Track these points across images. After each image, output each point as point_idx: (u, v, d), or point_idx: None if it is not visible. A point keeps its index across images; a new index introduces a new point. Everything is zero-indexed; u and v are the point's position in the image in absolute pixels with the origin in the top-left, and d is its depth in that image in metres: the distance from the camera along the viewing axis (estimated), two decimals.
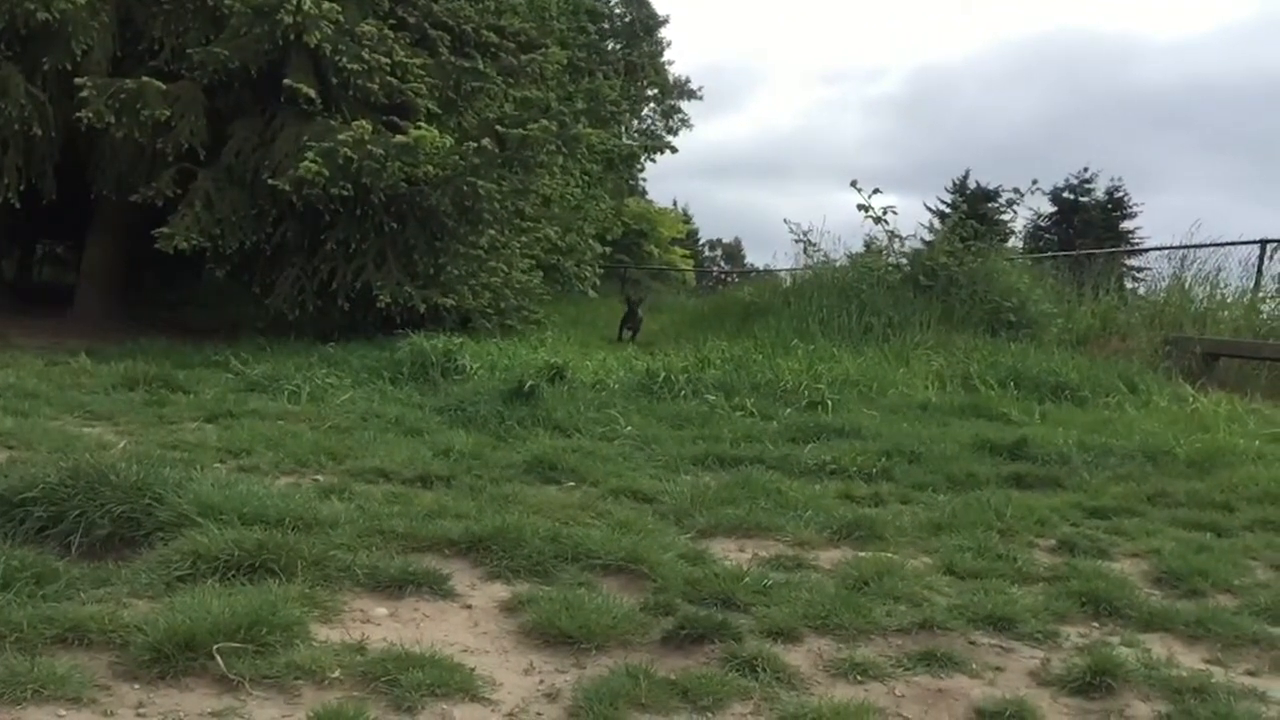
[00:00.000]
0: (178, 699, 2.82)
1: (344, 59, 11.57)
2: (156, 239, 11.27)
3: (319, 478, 5.25)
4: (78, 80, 11.01)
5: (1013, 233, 21.55)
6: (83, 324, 12.70)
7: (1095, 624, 3.81)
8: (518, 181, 13.19)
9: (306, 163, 10.71)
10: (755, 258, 53.47)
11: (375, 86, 11.82)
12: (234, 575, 3.52)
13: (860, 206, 13.47)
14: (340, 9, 11.51)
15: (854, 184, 13.48)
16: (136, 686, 2.87)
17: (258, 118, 11.94)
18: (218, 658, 2.93)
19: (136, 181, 11.69)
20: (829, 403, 8.02)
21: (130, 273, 14.96)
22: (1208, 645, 3.65)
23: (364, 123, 11.11)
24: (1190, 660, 3.51)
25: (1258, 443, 7.00)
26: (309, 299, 11.69)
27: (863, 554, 4.44)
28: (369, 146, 10.89)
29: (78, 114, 10.93)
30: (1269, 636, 3.70)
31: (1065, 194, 35.86)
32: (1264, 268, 12.92)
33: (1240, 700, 3.14)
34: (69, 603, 3.27)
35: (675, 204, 42.86)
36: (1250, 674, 3.45)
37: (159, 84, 11.13)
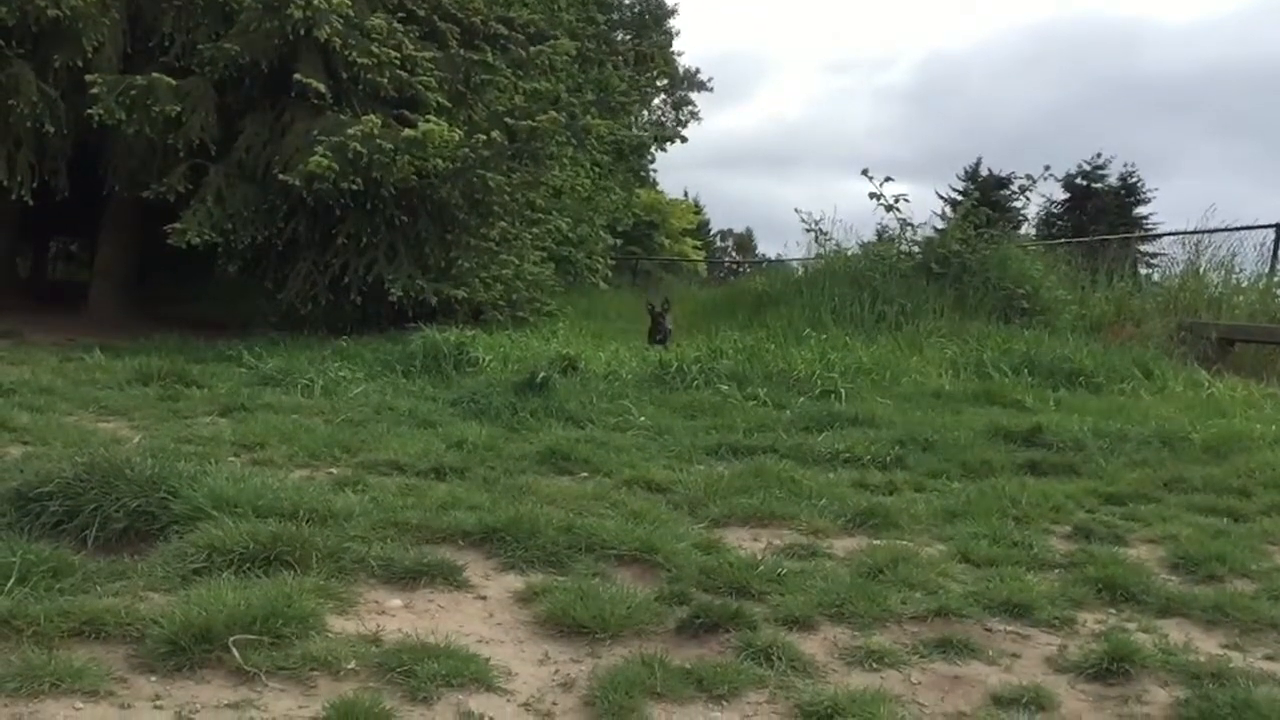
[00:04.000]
0: (194, 691, 2.82)
1: (354, 53, 11.58)
2: (169, 235, 11.32)
3: (333, 470, 5.26)
4: (88, 77, 11.05)
5: (1025, 220, 21.50)
6: (96, 320, 12.78)
7: (1112, 610, 3.79)
8: (528, 173, 13.20)
9: (317, 157, 10.73)
10: (767, 247, 53.47)
11: (385, 80, 11.83)
12: (249, 568, 3.52)
13: (872, 195, 13.42)
14: (350, 3, 11.51)
15: (865, 172, 13.43)
16: (153, 679, 2.87)
17: (268, 113, 11.97)
18: (234, 650, 2.94)
19: (148, 178, 11.74)
20: (842, 391, 8.00)
21: (143, 269, 15.04)
22: (1225, 630, 3.63)
23: (373, 117, 11.12)
24: (1208, 645, 3.49)
25: (1274, 427, 6.95)
26: (321, 293, 11.73)
27: (877, 542, 4.43)
28: (378, 140, 10.90)
29: (89, 111, 10.97)
30: None
31: (1078, 180, 35.66)
32: (1279, 252, 12.85)
33: (1259, 685, 3.12)
34: (85, 596, 3.27)
35: (686, 194, 42.93)
36: (1269, 658, 3.42)
37: (169, 80, 11.16)
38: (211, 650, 2.94)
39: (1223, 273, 12.78)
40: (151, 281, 16.58)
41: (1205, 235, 13.17)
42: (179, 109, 11.19)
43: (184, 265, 15.95)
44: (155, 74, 11.16)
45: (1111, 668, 3.22)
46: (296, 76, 11.43)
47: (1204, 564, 4.24)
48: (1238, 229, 12.97)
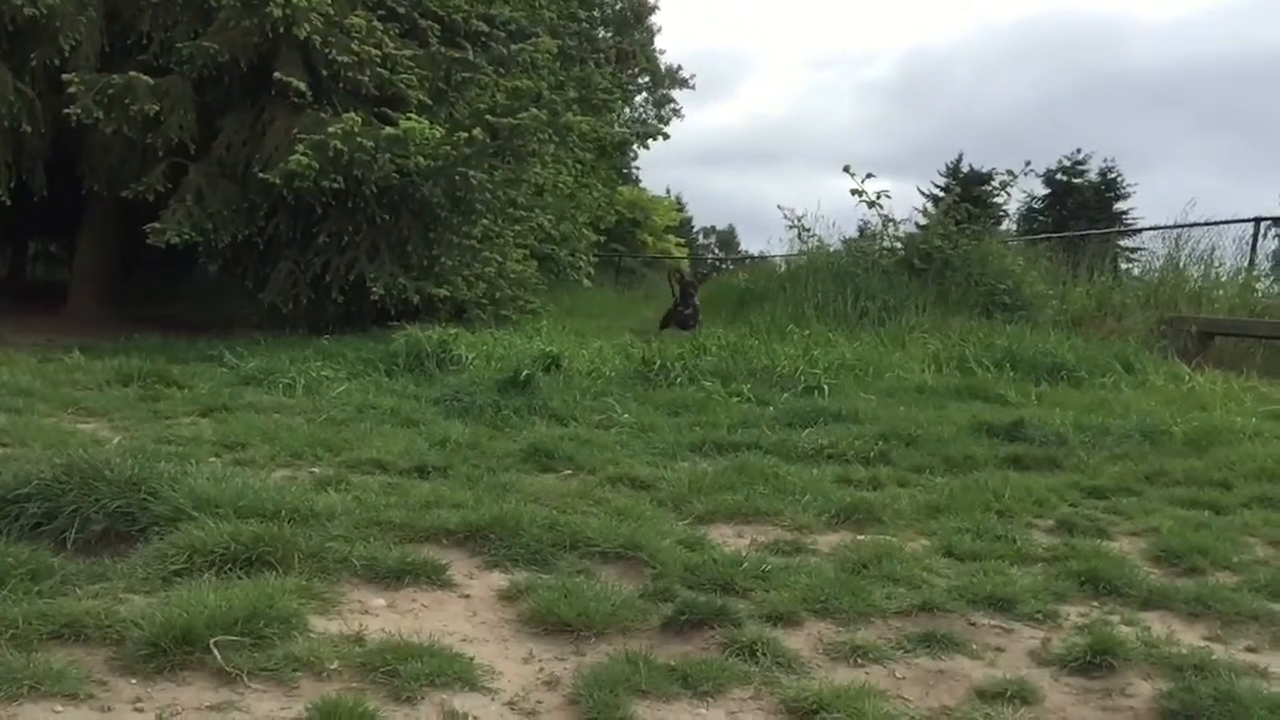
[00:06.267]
0: (175, 693, 2.80)
1: (334, 51, 11.52)
2: (148, 234, 11.24)
3: (315, 470, 5.22)
4: (65, 76, 10.97)
5: (1006, 215, 21.61)
6: (76, 321, 12.68)
7: (1095, 603, 3.81)
8: (510, 171, 13.17)
9: (297, 156, 10.68)
10: (750, 244, 53.55)
11: (366, 78, 11.77)
12: (230, 568, 3.49)
13: (854, 191, 13.45)
14: (329, 1, 11.45)
15: (847, 169, 13.45)
16: (133, 681, 2.85)
17: (248, 111, 11.90)
18: (215, 651, 2.91)
19: (127, 177, 11.67)
20: (825, 387, 8.01)
21: (123, 269, 14.95)
22: (1207, 622, 3.65)
23: (354, 115, 11.07)
24: (1190, 638, 3.50)
25: (1254, 420, 6.99)
26: (302, 292, 11.68)
27: (861, 537, 4.44)
28: (359, 139, 10.86)
29: (66, 110, 10.89)
30: (1269, 613, 3.69)
31: (1058, 176, 35.89)
32: (1258, 246, 12.95)
33: (1241, 677, 3.13)
34: (65, 599, 3.24)
35: (669, 192, 42.86)
36: (1250, 650, 3.44)
37: (147, 79, 11.09)
38: (193, 652, 2.92)
39: (1202, 267, 12.87)
40: (132, 281, 16.47)
41: (1185, 230, 13.27)
42: (158, 108, 11.11)
43: (164, 265, 15.87)
44: (133, 73, 11.08)
45: (1095, 661, 3.23)
46: (276, 75, 11.37)
47: (1186, 556, 4.26)
48: (1217, 223, 13.08)
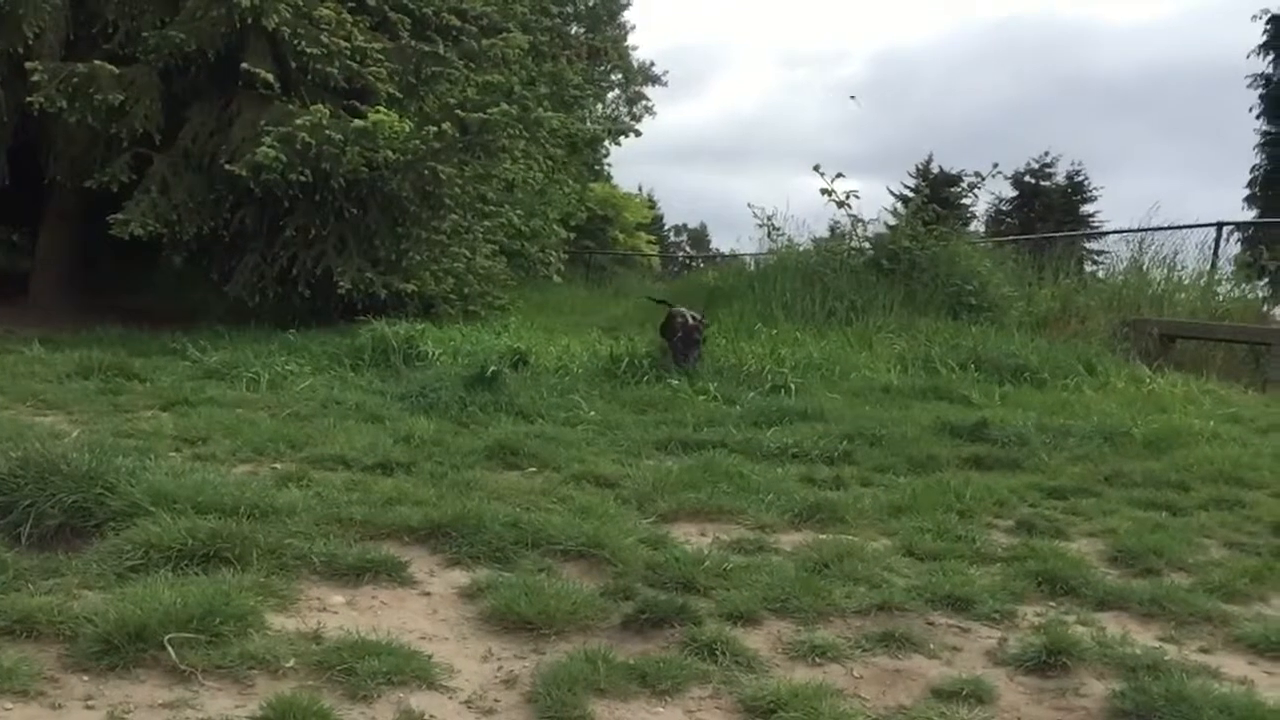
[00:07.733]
0: (128, 690, 2.78)
1: (303, 43, 11.41)
2: (112, 225, 11.11)
3: (277, 465, 5.19)
4: (29, 64, 10.81)
5: (974, 216, 21.80)
6: (37, 312, 12.49)
7: (1052, 603, 3.85)
8: (480, 166, 13.10)
9: (264, 148, 10.58)
10: (720, 242, 53.57)
11: (335, 71, 11.67)
12: (187, 565, 3.47)
13: (823, 191, 13.48)
14: None
15: (817, 168, 13.48)
16: (86, 678, 2.82)
17: (215, 102, 11.77)
18: (169, 648, 2.89)
19: (91, 167, 11.50)
20: (792, 386, 8.04)
21: (86, 260, 14.72)
22: (1162, 623, 3.69)
23: (322, 107, 10.98)
24: (1145, 638, 3.54)
25: (1213, 423, 7.08)
26: (268, 286, 11.58)
27: (823, 536, 4.46)
28: (327, 131, 10.77)
29: (29, 99, 10.74)
30: (1222, 614, 3.75)
31: (1026, 178, 36.19)
32: (1220, 250, 13.13)
33: (1193, 677, 3.17)
34: (17, 594, 3.21)
35: (640, 189, 42.74)
36: (1203, 651, 3.49)
37: (112, 68, 10.94)
38: (146, 649, 2.90)
39: (1165, 270, 13.03)
40: (95, 272, 16.24)
41: (1149, 233, 13.43)
42: (122, 97, 10.97)
43: (128, 256, 15.61)
44: (98, 61, 10.93)
45: (1050, 660, 3.26)
46: (244, 66, 11.25)
47: (1142, 557, 4.31)
48: (1180, 227, 13.25)
